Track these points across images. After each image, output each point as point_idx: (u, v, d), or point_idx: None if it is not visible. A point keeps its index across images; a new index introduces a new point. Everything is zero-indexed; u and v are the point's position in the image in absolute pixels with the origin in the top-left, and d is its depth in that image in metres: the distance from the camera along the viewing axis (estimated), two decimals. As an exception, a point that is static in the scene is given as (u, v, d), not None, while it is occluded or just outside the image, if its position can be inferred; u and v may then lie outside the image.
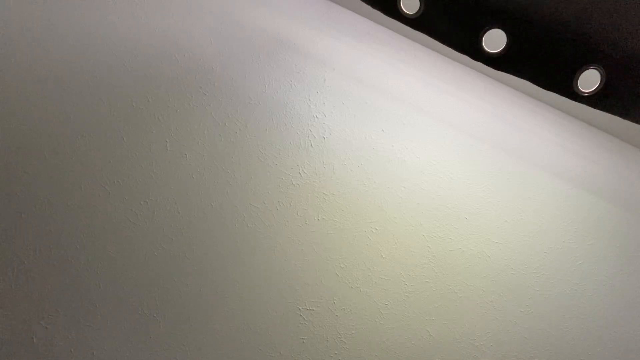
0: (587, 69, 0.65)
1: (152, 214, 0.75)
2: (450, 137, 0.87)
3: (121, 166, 0.76)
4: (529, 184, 0.87)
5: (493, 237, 0.84)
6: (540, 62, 0.67)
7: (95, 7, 0.81)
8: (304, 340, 0.76)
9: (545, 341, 0.82)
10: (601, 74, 0.65)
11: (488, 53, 0.68)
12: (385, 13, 0.71)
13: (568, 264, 0.85)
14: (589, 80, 0.66)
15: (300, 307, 0.77)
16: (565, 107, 0.89)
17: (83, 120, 0.77)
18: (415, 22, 0.70)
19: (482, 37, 0.67)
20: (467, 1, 0.65)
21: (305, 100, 0.84)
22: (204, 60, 0.83)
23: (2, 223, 0.71)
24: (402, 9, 0.69)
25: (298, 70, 0.85)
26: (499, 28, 0.66)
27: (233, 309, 0.75)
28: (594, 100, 0.67)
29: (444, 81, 0.89)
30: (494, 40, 0.67)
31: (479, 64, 0.70)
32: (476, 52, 0.68)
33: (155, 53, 0.81)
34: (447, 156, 0.86)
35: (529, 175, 0.87)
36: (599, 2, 0.61)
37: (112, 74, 0.79)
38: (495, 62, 0.69)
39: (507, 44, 0.66)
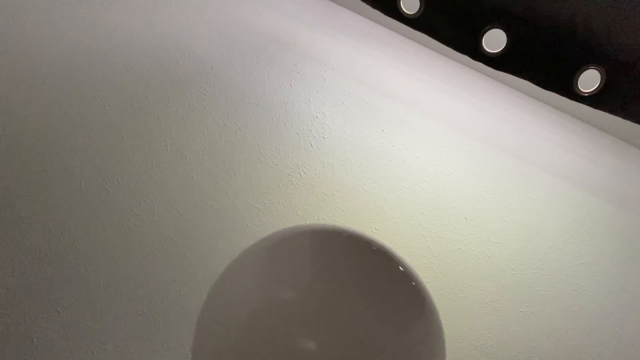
0: (587, 69, 0.65)
1: (152, 214, 0.75)
2: (450, 137, 0.87)
3: (121, 166, 0.76)
4: (529, 184, 0.87)
5: (493, 237, 0.84)
6: (540, 62, 0.67)
7: (95, 6, 0.81)
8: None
9: (545, 341, 0.82)
10: (601, 74, 0.65)
11: (488, 53, 0.68)
12: (385, 13, 0.71)
13: (568, 264, 0.85)
14: (589, 80, 0.66)
15: (300, 307, 0.77)
16: (565, 107, 0.89)
17: (83, 120, 0.77)
18: (415, 22, 0.70)
19: (482, 37, 0.67)
20: (467, 1, 0.65)
21: (305, 100, 0.84)
22: (204, 60, 0.83)
23: (2, 223, 0.71)
24: (402, 9, 0.69)
25: (298, 70, 0.85)
26: (499, 28, 0.66)
27: (233, 309, 0.75)
28: (594, 100, 0.67)
29: (444, 81, 0.89)
30: (494, 40, 0.67)
31: (479, 64, 0.70)
32: (476, 52, 0.68)
33: (155, 53, 0.81)
34: (447, 156, 0.86)
35: (529, 175, 0.87)
36: (600, 2, 0.61)
37: (112, 74, 0.79)
38: (495, 62, 0.69)
39: (507, 44, 0.66)
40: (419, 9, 0.68)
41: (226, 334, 0.45)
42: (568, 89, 0.67)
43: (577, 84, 0.66)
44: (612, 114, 0.68)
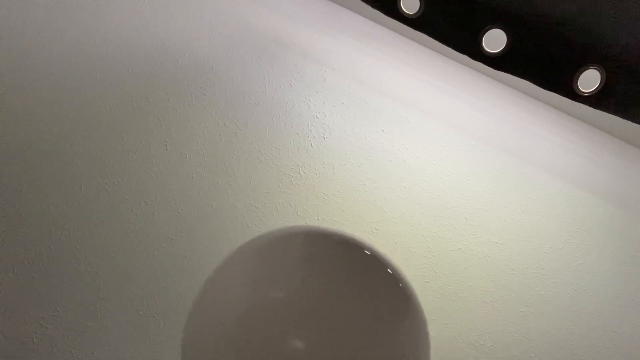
0: (587, 69, 0.65)
1: (152, 214, 0.75)
2: (450, 137, 0.87)
3: (121, 166, 0.76)
4: (529, 184, 0.87)
5: (493, 237, 0.84)
6: (540, 62, 0.67)
7: (95, 6, 0.81)
8: (304, 340, 0.75)
9: (545, 341, 0.82)
10: (601, 74, 0.65)
11: (488, 53, 0.68)
12: (385, 13, 0.71)
13: (568, 264, 0.85)
14: (589, 80, 0.66)
15: (300, 307, 0.76)
16: (565, 107, 0.89)
17: (83, 120, 0.77)
18: (415, 22, 0.70)
19: (482, 37, 0.67)
20: (467, 1, 0.65)
21: (305, 100, 0.84)
22: (204, 60, 0.83)
23: (2, 223, 0.71)
24: (402, 9, 0.69)
25: (298, 70, 0.85)
26: (499, 28, 0.66)
27: (233, 309, 0.75)
28: (594, 100, 0.67)
29: (444, 81, 0.89)
30: (494, 40, 0.67)
31: (479, 64, 0.70)
32: (476, 52, 0.68)
33: (155, 53, 0.81)
34: (447, 156, 0.86)
35: (529, 175, 0.87)
36: (600, 2, 0.61)
37: (112, 74, 0.79)
38: (495, 62, 0.69)
39: (507, 44, 0.66)
40: (419, 9, 0.68)
41: (216, 331, 0.46)
42: (568, 89, 0.67)
43: (577, 84, 0.66)
44: (612, 114, 0.68)
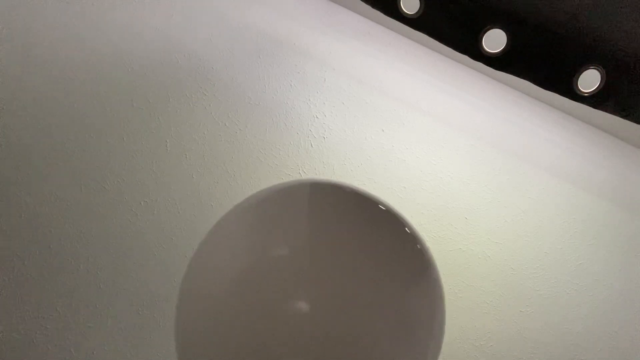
0: (587, 69, 0.65)
1: (152, 214, 0.75)
2: (450, 137, 0.87)
3: (121, 166, 0.76)
4: (529, 184, 0.87)
5: (493, 237, 0.84)
6: (540, 62, 0.67)
7: (94, 6, 0.81)
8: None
9: (545, 341, 0.82)
10: (601, 74, 0.65)
11: (488, 53, 0.68)
12: (385, 13, 0.71)
13: (568, 264, 0.85)
14: (589, 80, 0.66)
15: (300, 307, 0.76)
16: (565, 107, 0.89)
17: (83, 120, 0.77)
18: (415, 22, 0.70)
19: (482, 37, 0.67)
20: (467, 1, 0.65)
21: (305, 100, 0.84)
22: (204, 60, 0.83)
23: (2, 223, 0.71)
24: (402, 9, 0.69)
25: (298, 70, 0.85)
26: (499, 28, 0.66)
27: (233, 309, 0.75)
28: (594, 100, 0.67)
29: (444, 81, 0.89)
30: (494, 40, 0.67)
31: (479, 64, 0.70)
32: (476, 52, 0.68)
33: (155, 53, 0.81)
34: (447, 156, 0.86)
35: (529, 175, 0.87)
36: (600, 2, 0.61)
37: (112, 74, 0.79)
38: (495, 62, 0.69)
39: (507, 44, 0.66)
40: (419, 9, 0.68)
41: (211, 293, 0.41)
42: (568, 89, 0.67)
43: (577, 84, 0.66)
44: (612, 114, 0.68)
